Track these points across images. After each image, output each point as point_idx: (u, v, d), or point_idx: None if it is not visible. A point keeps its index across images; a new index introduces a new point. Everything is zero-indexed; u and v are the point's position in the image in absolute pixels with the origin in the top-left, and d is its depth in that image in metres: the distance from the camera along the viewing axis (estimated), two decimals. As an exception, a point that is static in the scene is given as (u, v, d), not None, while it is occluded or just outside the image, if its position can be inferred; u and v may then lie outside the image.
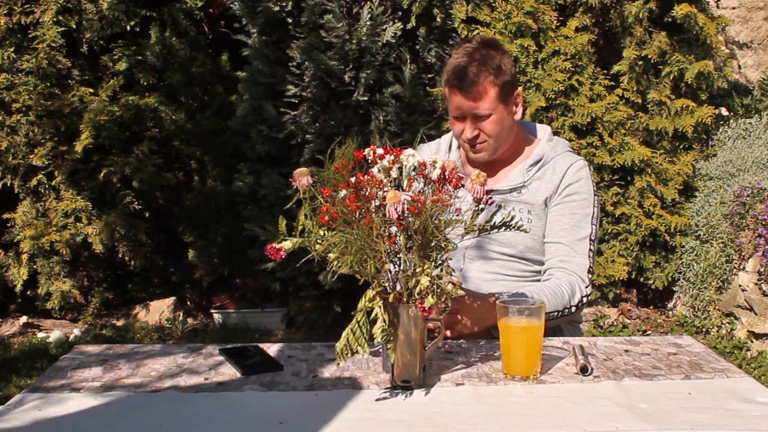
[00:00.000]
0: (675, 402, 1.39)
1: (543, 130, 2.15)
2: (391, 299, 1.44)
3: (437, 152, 2.13)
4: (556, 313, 1.88)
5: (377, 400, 1.42)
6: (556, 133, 4.14)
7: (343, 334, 1.45)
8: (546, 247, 2.02)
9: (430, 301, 1.38)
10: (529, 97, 4.16)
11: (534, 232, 1.98)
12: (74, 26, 4.36)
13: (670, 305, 4.56)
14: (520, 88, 2.06)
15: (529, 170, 2.04)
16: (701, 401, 1.40)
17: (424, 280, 1.39)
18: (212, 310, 4.89)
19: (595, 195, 2.04)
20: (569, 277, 1.95)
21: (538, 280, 2.01)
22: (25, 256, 4.42)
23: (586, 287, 1.96)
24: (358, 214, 1.40)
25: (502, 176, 2.06)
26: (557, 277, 1.95)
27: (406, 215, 1.39)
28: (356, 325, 1.44)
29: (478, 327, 1.80)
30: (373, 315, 1.43)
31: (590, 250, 1.99)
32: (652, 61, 4.40)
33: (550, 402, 1.40)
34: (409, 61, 4.26)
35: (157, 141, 4.62)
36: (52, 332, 4.43)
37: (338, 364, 1.56)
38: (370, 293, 1.45)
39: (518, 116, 2.03)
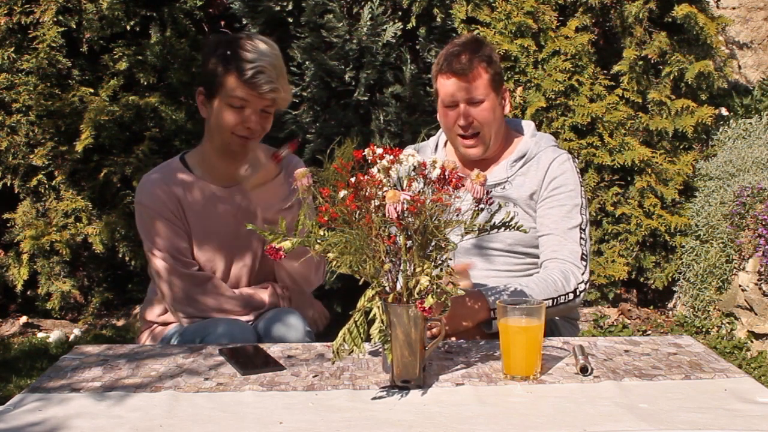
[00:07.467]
0: (675, 402, 1.39)
1: (527, 125, 2.16)
2: (390, 299, 1.44)
3: (422, 155, 2.14)
4: (551, 302, 1.87)
5: (377, 399, 1.42)
6: (555, 133, 4.16)
7: (340, 334, 1.45)
8: (539, 241, 2.02)
9: (430, 301, 1.38)
10: (529, 97, 4.16)
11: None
12: (74, 26, 4.36)
13: (670, 305, 4.56)
14: (510, 84, 2.11)
15: (513, 166, 2.05)
16: (701, 401, 1.40)
17: (424, 280, 1.39)
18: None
19: (581, 186, 2.04)
20: (562, 265, 1.94)
21: (532, 274, 2.01)
22: (25, 256, 4.41)
23: (582, 273, 1.94)
24: (357, 214, 1.40)
25: (487, 172, 2.06)
26: (550, 267, 1.96)
27: (405, 215, 1.39)
28: (353, 324, 1.45)
29: (471, 322, 1.80)
30: (371, 315, 1.43)
31: (581, 238, 1.99)
32: (652, 61, 4.40)
33: (550, 402, 1.41)
34: (409, 61, 4.26)
35: (158, 141, 4.60)
36: (52, 332, 4.43)
37: (333, 363, 1.57)
38: (369, 293, 1.45)
39: (506, 110, 2.07)
